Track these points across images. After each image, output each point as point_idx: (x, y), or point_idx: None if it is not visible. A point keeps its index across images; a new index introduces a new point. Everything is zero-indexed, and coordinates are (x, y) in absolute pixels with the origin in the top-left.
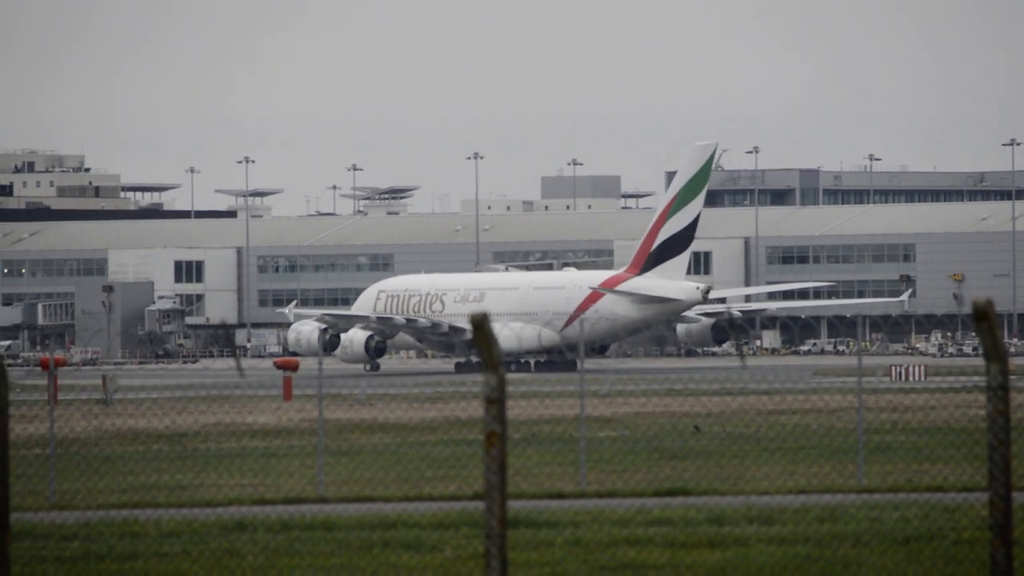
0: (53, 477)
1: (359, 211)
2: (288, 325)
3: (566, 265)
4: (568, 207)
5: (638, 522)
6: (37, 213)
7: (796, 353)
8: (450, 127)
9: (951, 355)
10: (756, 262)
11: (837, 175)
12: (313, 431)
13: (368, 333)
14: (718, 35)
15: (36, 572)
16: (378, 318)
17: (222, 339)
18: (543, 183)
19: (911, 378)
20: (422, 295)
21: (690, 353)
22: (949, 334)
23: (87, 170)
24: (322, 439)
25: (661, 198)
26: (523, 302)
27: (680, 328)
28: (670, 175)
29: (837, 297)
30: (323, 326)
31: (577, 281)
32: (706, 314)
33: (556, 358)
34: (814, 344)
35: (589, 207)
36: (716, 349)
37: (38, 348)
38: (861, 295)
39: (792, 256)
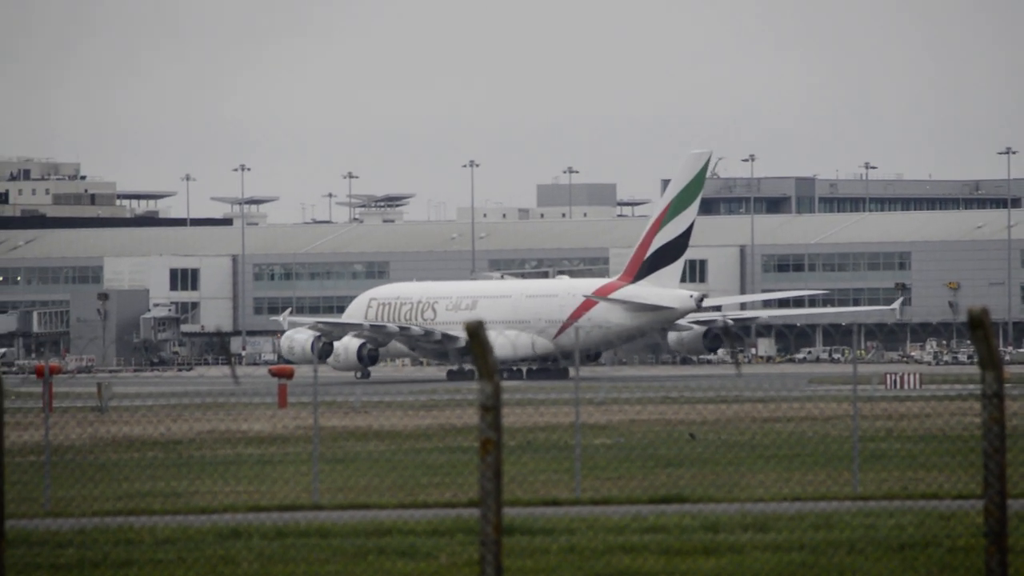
0: (48, 484)
1: (355, 219)
2: (283, 333)
3: (560, 273)
4: (564, 215)
5: (633, 529)
6: (33, 221)
7: (791, 361)
8: (446, 135)
9: (946, 363)
10: (752, 270)
11: (833, 183)
12: (308, 438)
13: (361, 341)
14: (714, 44)
15: None
16: (371, 326)
17: (217, 347)
18: (539, 191)
19: (906, 386)
20: (413, 303)
21: (685, 361)
22: (944, 342)
23: (83, 178)
24: (317, 446)
25: (656, 206)
26: (516, 310)
27: (671, 336)
28: (666, 183)
29: (832, 305)
30: (316, 334)
31: (570, 289)
32: (698, 322)
33: (552, 366)
34: (809, 352)
35: (585, 215)
36: (711, 357)
37: (33, 356)
38: (857, 303)
39: (788, 264)
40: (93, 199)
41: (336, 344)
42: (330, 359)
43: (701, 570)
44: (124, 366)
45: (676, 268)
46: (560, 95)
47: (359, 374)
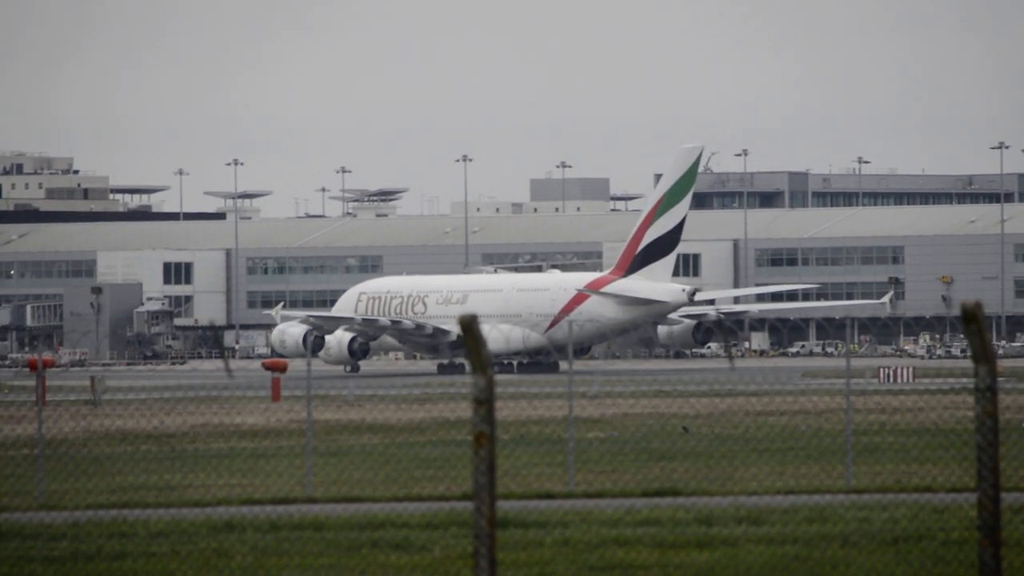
0: (41, 478)
1: (348, 213)
2: (275, 327)
3: (554, 267)
4: (557, 209)
5: (627, 522)
6: (26, 215)
7: (785, 355)
8: (439, 129)
9: (939, 357)
10: (745, 264)
11: (826, 178)
12: (301, 432)
13: (351, 335)
14: (707, 38)
15: (24, 572)
16: (363, 320)
17: (210, 340)
18: (532, 185)
19: (899, 380)
20: (404, 297)
21: (679, 355)
22: (937, 336)
23: (76, 172)
24: (310, 440)
25: (648, 201)
26: (507, 304)
27: (662, 330)
28: (659, 177)
29: (826, 299)
30: (308, 328)
31: (562, 283)
32: (689, 316)
33: (545, 359)
34: (803, 346)
35: (578, 209)
36: (704, 351)
37: (26, 349)
38: (850, 297)
39: (781, 258)
40: (86, 193)
41: (328, 338)
42: (321, 353)
43: (695, 563)
44: (117, 360)
45: (668, 262)
46: (553, 90)
47: (348, 368)
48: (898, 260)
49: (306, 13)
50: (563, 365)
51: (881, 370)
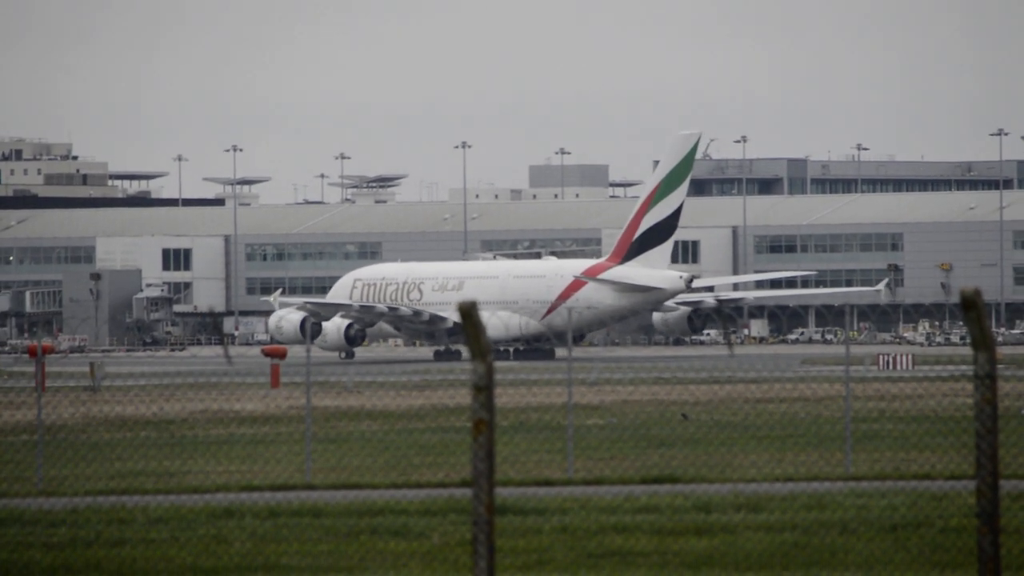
0: (41, 464)
1: (347, 199)
2: (273, 313)
3: (552, 254)
4: (556, 196)
5: (625, 509)
6: (25, 201)
7: (784, 342)
8: (438, 116)
9: (938, 344)
10: (744, 251)
11: (825, 164)
12: (300, 418)
13: (348, 321)
14: (707, 24)
15: (23, 558)
16: (360, 307)
17: (210, 327)
18: (531, 172)
19: (898, 367)
20: (399, 284)
21: (678, 342)
22: (937, 323)
23: (75, 158)
24: (310, 426)
25: (645, 187)
26: (503, 291)
27: (656, 317)
28: (658, 164)
29: (825, 286)
30: (305, 314)
31: (558, 270)
32: (684, 303)
33: (546, 345)
34: (802, 333)
35: (577, 196)
36: (703, 338)
37: (26, 335)
38: (849, 284)
39: (780, 245)
40: (85, 179)
41: (325, 324)
42: (317, 339)
43: (693, 550)
44: (117, 346)
45: (665, 249)
46: (553, 76)
47: (343, 354)
48: (897, 247)
49: (304, 0)
50: (559, 352)
51: (880, 357)
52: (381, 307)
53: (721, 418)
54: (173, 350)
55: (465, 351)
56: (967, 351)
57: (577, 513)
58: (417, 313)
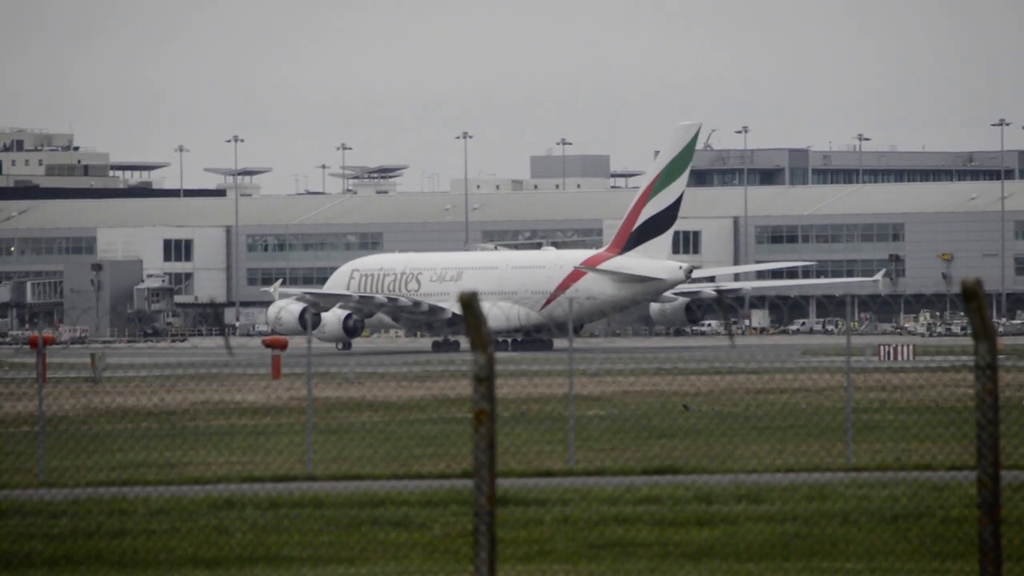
0: (42, 455)
1: (348, 190)
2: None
3: (552, 244)
4: (558, 187)
5: (626, 500)
6: (26, 191)
7: (785, 332)
8: (440, 106)
9: (939, 335)
10: (745, 242)
11: (826, 155)
12: (301, 409)
13: (346, 312)
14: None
15: (25, 549)
16: (359, 297)
17: (211, 317)
18: (532, 162)
19: (899, 357)
20: (397, 274)
21: (679, 332)
22: (938, 314)
23: (76, 149)
24: (311, 417)
25: (645, 178)
26: (502, 281)
27: (654, 307)
28: (658, 155)
29: (826, 276)
30: (304, 305)
31: (557, 260)
32: (682, 294)
33: (545, 336)
34: (803, 323)
35: (579, 187)
36: (704, 328)
37: (27, 326)
38: (850, 275)
39: (781, 236)
40: (86, 170)
41: (324, 315)
42: (316, 330)
43: (694, 540)
44: (118, 337)
45: (665, 239)
46: (554, 66)
47: (340, 345)
48: (898, 237)
49: None
50: (558, 343)
51: (881, 348)
52: (380, 298)
53: (722, 409)
54: (174, 341)
55: (464, 342)
56: (968, 341)
57: (578, 504)
58: (416, 304)
